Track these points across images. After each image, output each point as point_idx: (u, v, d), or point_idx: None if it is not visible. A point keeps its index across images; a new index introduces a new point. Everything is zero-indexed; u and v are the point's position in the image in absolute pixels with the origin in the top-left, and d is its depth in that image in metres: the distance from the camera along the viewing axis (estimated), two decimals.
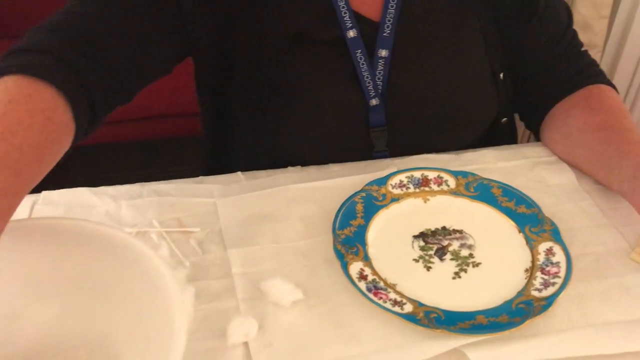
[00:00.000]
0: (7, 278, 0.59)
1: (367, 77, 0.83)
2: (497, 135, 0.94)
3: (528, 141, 1.44)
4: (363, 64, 0.82)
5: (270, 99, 0.83)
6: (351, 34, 0.82)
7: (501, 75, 0.88)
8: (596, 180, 0.82)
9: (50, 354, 0.59)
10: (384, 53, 0.83)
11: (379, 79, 0.83)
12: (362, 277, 0.67)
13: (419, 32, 0.84)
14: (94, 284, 0.59)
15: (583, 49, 0.93)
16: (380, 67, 0.83)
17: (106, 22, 0.72)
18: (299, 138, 0.85)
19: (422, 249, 0.72)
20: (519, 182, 0.80)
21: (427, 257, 0.71)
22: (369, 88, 0.83)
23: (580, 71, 0.89)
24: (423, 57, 0.85)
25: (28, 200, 0.77)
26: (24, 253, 0.59)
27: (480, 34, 0.86)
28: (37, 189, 0.77)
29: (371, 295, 0.64)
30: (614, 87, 0.89)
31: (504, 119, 0.93)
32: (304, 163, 0.84)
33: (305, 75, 0.82)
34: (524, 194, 0.77)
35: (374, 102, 0.84)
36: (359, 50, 0.82)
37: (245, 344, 0.61)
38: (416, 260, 0.70)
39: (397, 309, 0.63)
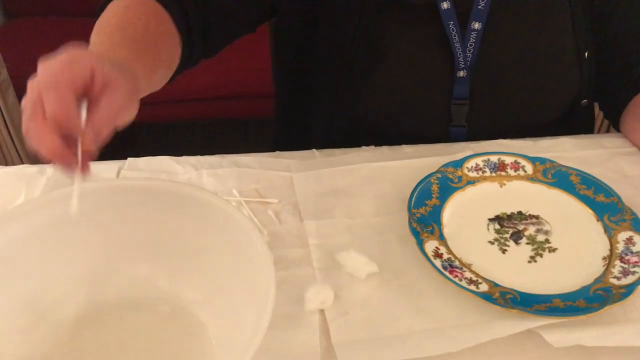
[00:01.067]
0: (100, 236, 0.62)
1: (459, 49, 0.83)
2: (576, 118, 0.92)
3: (607, 132, 1.40)
4: (455, 36, 0.82)
5: (356, 61, 0.83)
6: (444, 5, 0.82)
7: (586, 54, 0.87)
8: None
9: (137, 307, 0.62)
10: (477, 26, 0.83)
11: (469, 50, 0.83)
12: (438, 255, 0.67)
13: (511, 6, 0.84)
14: (183, 243, 0.62)
15: None
16: (472, 40, 0.83)
17: None
18: (379, 105, 0.85)
19: (497, 232, 0.72)
20: (596, 172, 0.79)
21: (502, 240, 0.71)
22: (459, 59, 0.83)
23: None
24: (514, 32, 0.85)
25: (114, 165, 0.81)
26: (116, 212, 0.63)
27: (569, 10, 0.85)
28: (123, 156, 0.81)
29: (447, 273, 0.65)
30: None
31: (584, 100, 0.91)
32: (379, 135, 0.85)
33: (397, 37, 0.82)
34: (603, 183, 0.75)
35: (461, 73, 0.84)
36: (452, 22, 0.82)
37: (322, 311, 0.63)
38: (491, 243, 0.71)
39: (472, 287, 0.64)
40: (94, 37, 0.62)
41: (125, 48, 0.60)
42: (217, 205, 0.59)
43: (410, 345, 0.60)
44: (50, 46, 0.50)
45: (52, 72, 0.45)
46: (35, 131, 0.45)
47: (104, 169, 0.80)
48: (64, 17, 2.12)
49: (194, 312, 0.61)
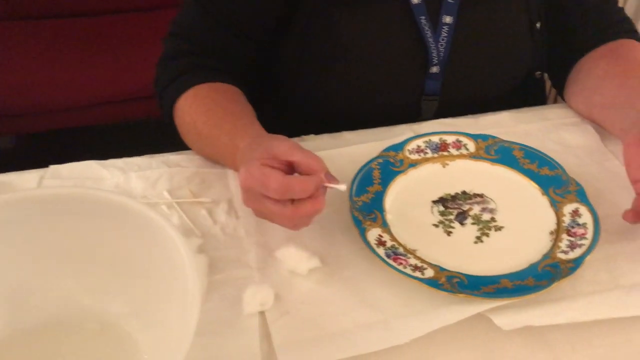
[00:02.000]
0: (17, 251, 0.57)
1: (432, 43, 0.80)
2: (529, 90, 0.91)
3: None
4: (427, 31, 0.80)
5: (327, 55, 0.81)
6: (415, 0, 0.79)
7: (538, 24, 0.85)
8: (604, 127, 0.78)
9: (63, 326, 0.57)
10: (448, 19, 0.80)
11: (441, 45, 0.81)
12: (381, 243, 0.64)
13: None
14: (105, 254, 0.57)
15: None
16: (444, 34, 0.80)
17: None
18: (341, 100, 0.84)
19: (441, 214, 0.69)
20: (540, 145, 0.77)
21: (447, 222, 0.68)
22: (432, 54, 0.81)
23: (613, 25, 0.86)
24: (486, 24, 0.83)
25: (35, 174, 0.75)
26: (33, 224, 0.58)
27: None
28: (45, 164, 0.76)
29: (390, 261, 0.62)
30: None
31: (538, 72, 0.90)
32: (339, 128, 0.83)
33: (368, 32, 0.80)
34: (547, 156, 0.74)
35: (434, 69, 0.82)
36: (423, 17, 0.79)
37: (262, 313, 0.60)
38: (436, 226, 0.68)
39: (417, 274, 0.61)
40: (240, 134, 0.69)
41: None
42: (138, 211, 0.55)
43: (356, 340, 0.57)
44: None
45: (277, 181, 0.57)
46: (300, 187, 0.57)
47: (25, 179, 0.74)
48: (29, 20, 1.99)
49: (124, 327, 0.57)
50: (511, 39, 0.84)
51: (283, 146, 0.60)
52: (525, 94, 0.93)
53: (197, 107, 0.75)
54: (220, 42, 0.79)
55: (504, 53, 0.85)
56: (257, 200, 0.60)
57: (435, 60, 0.81)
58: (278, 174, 0.58)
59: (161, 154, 0.78)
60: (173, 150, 0.79)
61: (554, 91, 1.09)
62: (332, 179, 0.60)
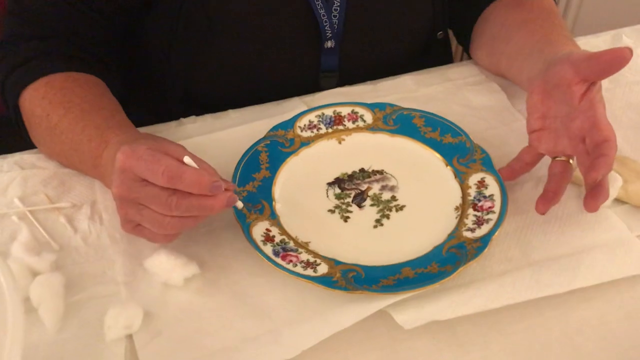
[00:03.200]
0: None
1: (324, 16, 0.72)
2: (435, 53, 0.85)
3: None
4: (318, 2, 0.71)
5: (204, 31, 0.71)
6: None
7: None
8: (511, 78, 0.73)
9: None
10: None
11: (334, 16, 0.72)
12: (268, 239, 0.56)
13: None
14: None
15: None
16: (336, 4, 0.72)
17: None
18: (237, 78, 0.75)
19: (338, 197, 0.62)
20: (443, 108, 0.70)
21: (343, 207, 0.61)
22: (326, 28, 0.72)
23: None
24: None
25: None
26: None
27: None
28: None
29: (278, 260, 0.54)
30: None
31: (440, 32, 0.83)
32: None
33: (253, 6, 0.70)
34: (449, 121, 0.67)
35: (328, 44, 0.74)
36: None
37: (130, 336, 0.51)
38: (331, 211, 0.60)
39: (309, 272, 0.53)
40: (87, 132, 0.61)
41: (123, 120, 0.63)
42: None
43: (241, 358, 0.49)
44: None
45: (167, 164, 0.50)
46: (192, 179, 0.49)
47: None
48: None
49: None
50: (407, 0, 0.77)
51: (174, 145, 0.54)
52: (429, 58, 0.86)
53: (51, 98, 0.64)
54: (70, 22, 0.67)
55: (400, 15, 0.78)
56: (134, 187, 0.51)
57: (329, 34, 0.73)
58: (169, 158, 0.50)
59: (13, 154, 0.67)
60: (26, 148, 0.67)
61: (460, 52, 1.03)
62: (229, 186, 0.53)
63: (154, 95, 0.81)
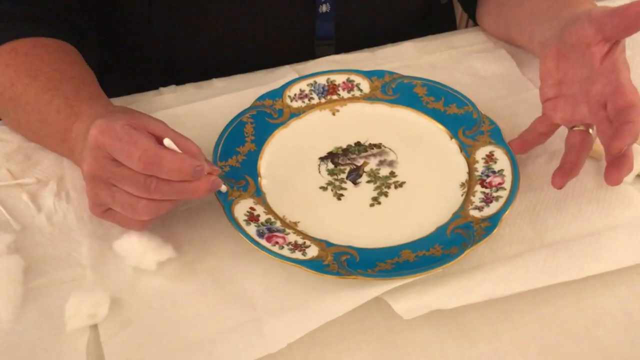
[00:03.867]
0: None
1: None
2: (437, 19, 0.79)
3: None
4: None
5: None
6: None
7: None
8: (522, 45, 0.67)
9: None
10: None
11: None
12: (252, 218, 0.51)
13: None
14: None
15: None
16: None
17: None
18: (223, 45, 0.69)
19: (331, 173, 0.56)
20: (447, 78, 0.64)
21: (337, 183, 0.55)
22: None
23: None
24: None
25: None
26: None
27: None
28: None
29: (263, 242, 0.48)
30: None
31: None
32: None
33: None
34: (454, 90, 0.61)
35: (323, 8, 0.68)
36: None
37: (94, 327, 0.45)
38: (324, 189, 0.55)
39: (297, 255, 0.48)
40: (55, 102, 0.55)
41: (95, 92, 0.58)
42: None
43: (220, 352, 0.44)
44: None
45: (145, 148, 0.44)
46: (172, 166, 0.45)
47: None
48: None
49: None
50: None
51: (155, 120, 0.50)
52: (431, 25, 0.79)
53: (17, 66, 0.57)
54: None
55: None
56: (107, 166, 0.46)
57: None
58: (149, 139, 0.45)
59: None
60: None
61: (464, 19, 0.96)
62: (213, 169, 0.49)
63: (135, 66, 0.75)
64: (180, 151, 0.46)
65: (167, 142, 0.46)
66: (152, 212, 0.47)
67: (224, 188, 0.50)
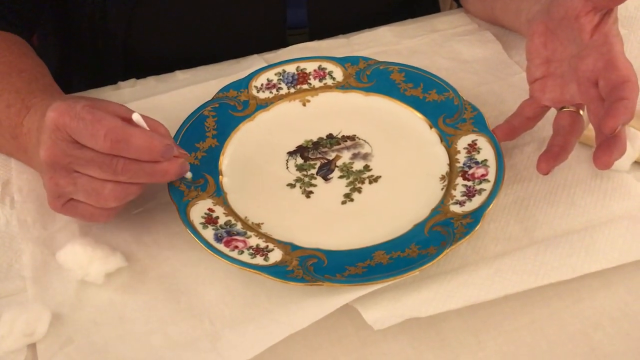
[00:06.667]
0: None
1: None
2: (416, 3, 0.74)
3: None
4: None
5: None
6: None
7: None
8: (507, 25, 0.62)
9: None
10: None
11: None
12: (210, 221, 0.46)
13: None
14: None
15: None
16: None
17: None
18: (187, 35, 0.65)
19: (300, 168, 0.51)
20: (428, 63, 0.60)
21: (306, 180, 0.50)
22: None
23: None
24: None
25: None
26: None
27: None
28: None
29: (220, 246, 0.43)
30: None
31: None
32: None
33: None
34: (434, 75, 0.56)
35: None
36: None
37: (32, 346, 0.41)
38: (291, 186, 0.50)
39: (258, 260, 0.43)
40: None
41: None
42: None
43: None
44: None
45: (111, 126, 0.41)
46: (141, 143, 0.41)
47: None
48: None
49: None
50: None
51: (116, 103, 0.45)
52: (414, 10, 0.75)
53: None
54: None
55: None
56: (68, 149, 0.42)
57: None
58: (114, 117, 0.41)
59: None
60: None
61: (448, 3, 0.91)
62: (181, 153, 0.46)
63: (95, 60, 0.70)
64: (148, 128, 0.43)
65: (135, 117, 0.43)
66: (119, 197, 0.43)
67: (189, 175, 0.47)
